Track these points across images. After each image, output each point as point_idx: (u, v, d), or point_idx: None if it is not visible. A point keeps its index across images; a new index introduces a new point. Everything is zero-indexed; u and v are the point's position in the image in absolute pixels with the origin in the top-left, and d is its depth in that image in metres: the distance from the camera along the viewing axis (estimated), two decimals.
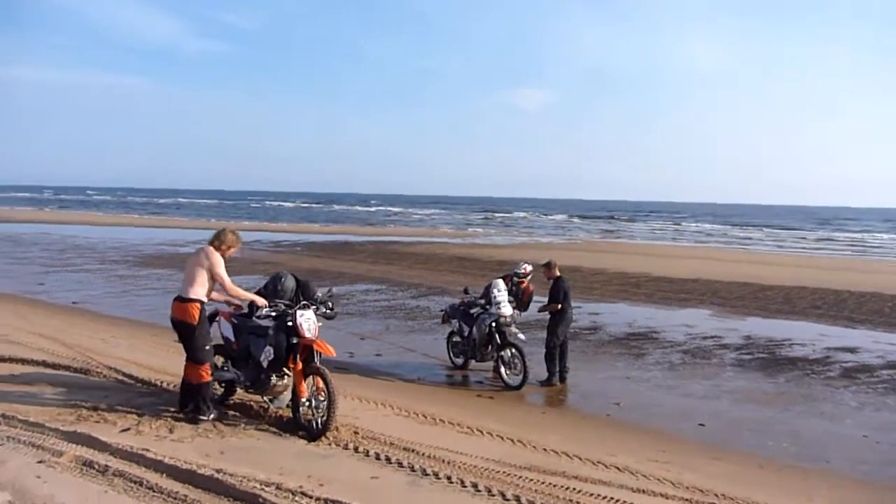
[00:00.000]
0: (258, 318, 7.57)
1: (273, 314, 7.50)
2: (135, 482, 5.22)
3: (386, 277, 23.99)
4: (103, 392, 7.94)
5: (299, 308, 7.40)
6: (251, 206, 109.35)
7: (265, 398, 7.73)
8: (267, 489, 5.23)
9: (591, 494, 5.96)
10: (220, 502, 5.06)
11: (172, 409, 7.35)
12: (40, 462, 5.46)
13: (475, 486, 5.91)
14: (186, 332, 7.22)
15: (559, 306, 11.17)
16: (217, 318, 7.99)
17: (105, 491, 5.06)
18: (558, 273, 11.44)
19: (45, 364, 9.16)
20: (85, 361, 9.61)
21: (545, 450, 7.31)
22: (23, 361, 9.19)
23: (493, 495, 5.74)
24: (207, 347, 7.42)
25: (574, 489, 6.06)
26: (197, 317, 7.25)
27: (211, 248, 7.34)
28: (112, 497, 4.98)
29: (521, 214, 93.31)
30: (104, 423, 6.67)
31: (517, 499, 5.68)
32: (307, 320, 7.30)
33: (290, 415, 7.31)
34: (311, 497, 5.19)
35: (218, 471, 5.48)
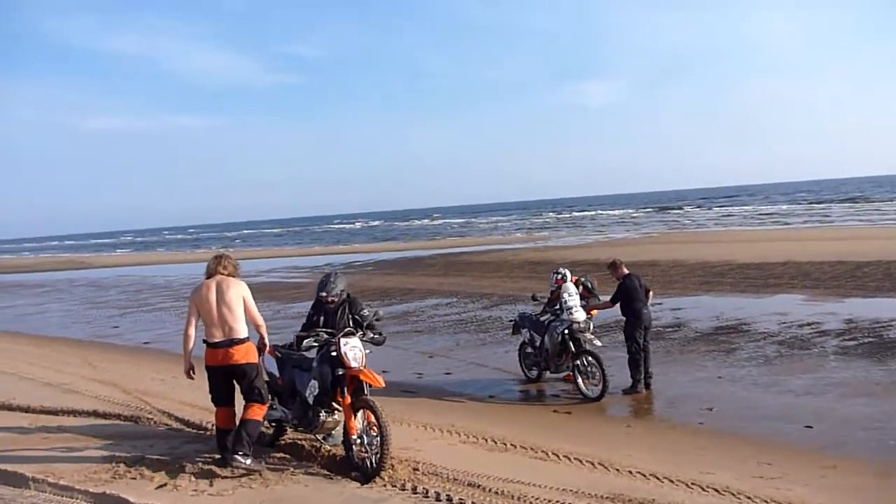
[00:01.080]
0: (302, 349, 6.96)
1: (315, 344, 6.87)
2: None
3: (456, 290, 23.32)
4: (149, 441, 7.45)
5: (343, 335, 6.75)
6: (315, 230, 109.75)
7: (317, 436, 7.09)
8: None
9: None
10: None
11: (218, 456, 6.78)
12: None
13: None
14: (250, 373, 6.59)
15: (612, 305, 10.48)
16: (261, 353, 7.42)
17: None
18: (626, 271, 10.55)
19: (96, 414, 8.79)
20: (138, 408, 9.22)
21: (630, 472, 6.45)
22: (74, 413, 8.84)
23: None
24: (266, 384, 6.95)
25: None
26: (257, 354, 6.75)
27: (240, 280, 6.77)
28: None
29: (593, 213, 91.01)
30: (140, 478, 6.14)
31: None
32: (352, 348, 6.64)
33: (345, 453, 6.66)
34: None
35: None
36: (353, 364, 6.56)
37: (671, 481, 6.16)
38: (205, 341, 6.55)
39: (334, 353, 6.62)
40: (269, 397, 6.93)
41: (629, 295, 10.24)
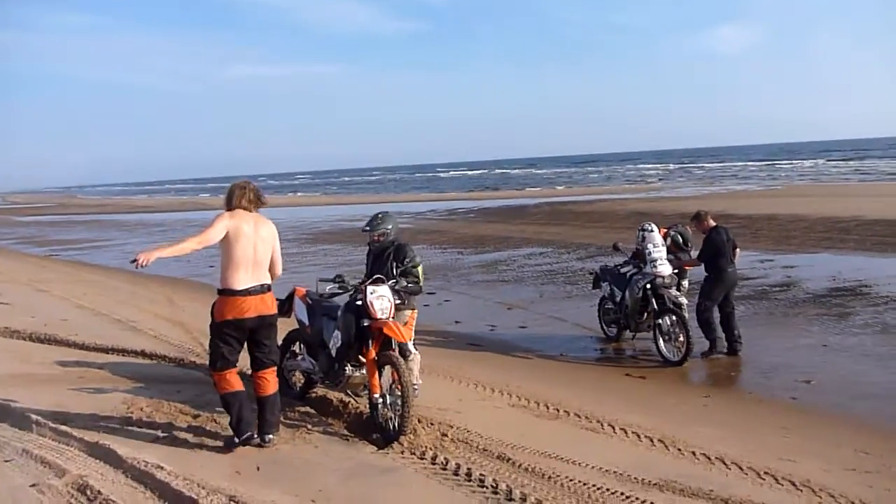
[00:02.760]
0: (327, 296, 6.39)
1: (339, 291, 6.26)
2: None
3: (554, 239, 22.34)
4: (178, 386, 7.08)
5: (370, 283, 6.07)
6: (420, 177, 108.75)
7: (347, 392, 6.50)
8: None
9: None
10: None
11: None
12: (33, 485, 4.55)
13: None
14: (275, 328, 5.65)
15: (699, 263, 9.35)
16: (292, 298, 6.88)
17: None
18: (712, 223, 9.36)
19: (143, 354, 8.55)
20: (189, 349, 8.96)
21: (693, 454, 5.51)
22: (123, 352, 8.64)
23: None
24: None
25: None
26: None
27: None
28: None
29: (713, 164, 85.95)
30: (147, 428, 5.73)
31: None
32: (379, 297, 5.95)
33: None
34: None
35: (231, 499, 4.28)
36: (380, 315, 5.89)
37: (740, 468, 5.19)
38: (223, 289, 5.36)
39: (360, 302, 5.97)
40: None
41: (716, 250, 9.09)
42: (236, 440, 5.34)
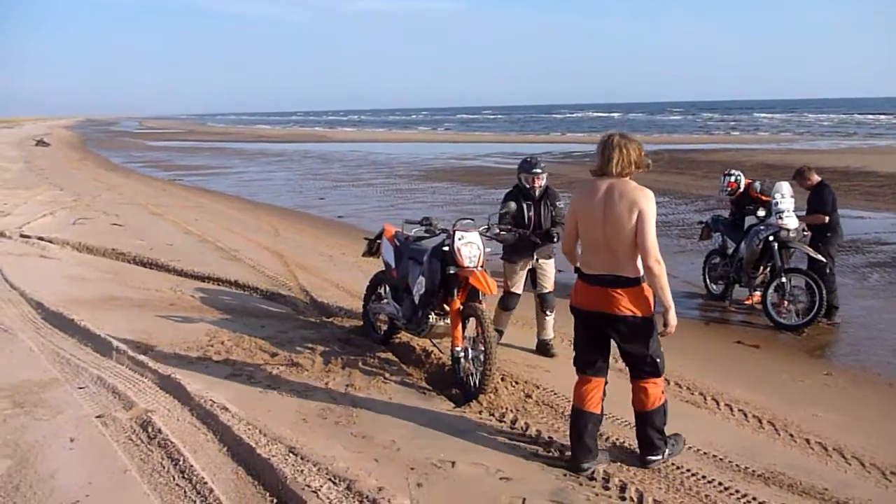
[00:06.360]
0: (415, 238, 6.05)
1: (426, 235, 5.89)
2: (172, 459, 3.98)
3: (671, 189, 21.19)
4: (263, 321, 6.97)
5: (460, 228, 5.66)
6: (545, 118, 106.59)
7: (431, 340, 6.18)
8: (328, 492, 3.65)
9: None
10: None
11: (322, 348, 6.11)
12: (99, 416, 4.47)
13: None
14: (638, 332, 4.35)
15: (823, 218, 8.43)
16: (380, 237, 6.58)
17: (125, 471, 3.87)
18: (817, 178, 8.53)
19: (236, 284, 8.53)
20: (282, 283, 8.85)
21: (808, 441, 4.89)
22: (217, 281, 8.65)
23: None
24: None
25: None
26: (650, 304, 4.32)
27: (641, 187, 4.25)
28: (126, 481, 3.77)
29: (865, 116, 79.31)
30: (223, 364, 5.60)
31: None
32: (468, 244, 5.54)
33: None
34: None
35: (290, 450, 4.04)
36: (467, 263, 5.49)
37: (861, 464, 4.55)
38: (577, 269, 4.42)
39: (446, 248, 5.58)
40: (662, 365, 4.47)
41: (833, 202, 8.42)
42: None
